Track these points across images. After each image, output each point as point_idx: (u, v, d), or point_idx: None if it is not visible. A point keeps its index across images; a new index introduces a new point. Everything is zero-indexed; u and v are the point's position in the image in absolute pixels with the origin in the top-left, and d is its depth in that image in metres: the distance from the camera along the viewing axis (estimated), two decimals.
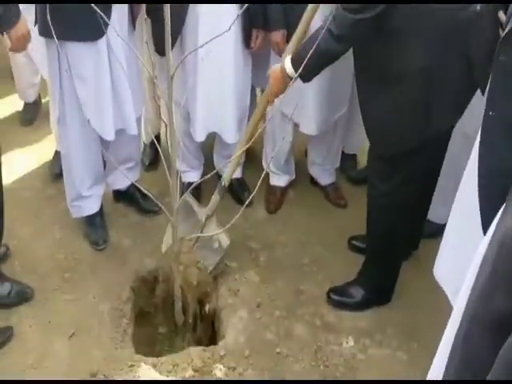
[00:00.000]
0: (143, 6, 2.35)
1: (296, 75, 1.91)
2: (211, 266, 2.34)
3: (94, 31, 2.10)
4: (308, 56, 1.74)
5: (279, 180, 2.91)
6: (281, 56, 2.39)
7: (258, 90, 3.00)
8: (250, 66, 2.57)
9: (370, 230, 2.24)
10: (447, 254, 1.70)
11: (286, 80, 2.00)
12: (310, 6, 1.99)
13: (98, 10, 1.57)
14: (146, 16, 2.28)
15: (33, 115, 3.44)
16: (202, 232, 2.32)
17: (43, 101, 3.50)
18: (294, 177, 2.96)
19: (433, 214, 2.52)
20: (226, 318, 2.23)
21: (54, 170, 2.95)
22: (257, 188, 2.03)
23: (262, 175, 2.09)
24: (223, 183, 2.34)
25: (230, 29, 1.52)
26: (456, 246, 1.64)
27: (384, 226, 2.15)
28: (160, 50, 2.31)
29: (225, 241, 2.37)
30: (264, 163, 2.90)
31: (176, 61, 1.81)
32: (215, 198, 2.37)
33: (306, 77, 1.97)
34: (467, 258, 1.43)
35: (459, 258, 1.58)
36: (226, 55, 2.39)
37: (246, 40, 2.42)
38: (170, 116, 1.72)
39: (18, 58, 3.16)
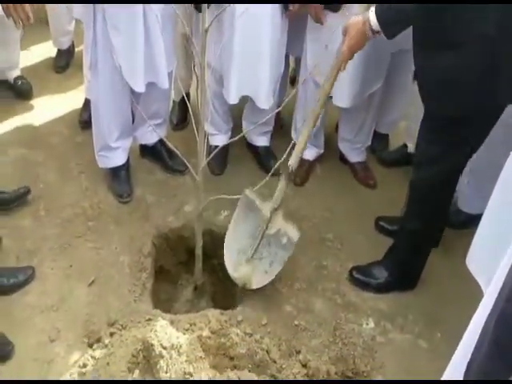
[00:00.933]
0: None
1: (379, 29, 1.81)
2: (280, 264, 2.14)
3: None
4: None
5: (307, 153, 2.86)
6: (317, 22, 2.37)
7: (291, 60, 2.95)
8: (286, 32, 2.51)
9: (411, 208, 2.16)
10: (483, 245, 1.67)
11: (367, 34, 1.89)
12: None
13: None
14: None
15: (66, 62, 3.42)
16: (267, 228, 2.15)
17: (77, 49, 3.47)
18: (322, 151, 2.92)
19: (464, 204, 2.48)
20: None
21: (84, 118, 2.94)
22: (284, 157, 2.01)
23: (290, 146, 2.07)
24: (290, 169, 2.15)
25: None
26: (493, 237, 1.60)
27: (427, 201, 2.09)
28: (197, 4, 2.27)
29: (294, 234, 2.14)
30: (293, 133, 2.86)
31: (212, 17, 1.76)
32: (281, 185, 2.17)
33: (391, 30, 1.85)
34: (504, 249, 1.40)
35: (495, 249, 1.55)
36: (264, 17, 2.33)
37: (285, 3, 2.35)
38: (201, 73, 1.68)
39: (53, 4, 3.13)
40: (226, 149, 2.77)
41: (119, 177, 2.61)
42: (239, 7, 2.15)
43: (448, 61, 1.81)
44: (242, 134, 2.05)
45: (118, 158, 2.58)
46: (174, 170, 2.76)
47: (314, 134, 2.80)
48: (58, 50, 3.42)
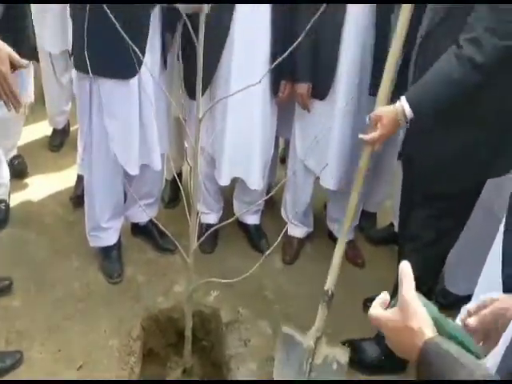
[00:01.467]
0: (176, 47, 2.45)
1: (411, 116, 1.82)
2: None
3: (127, 69, 2.16)
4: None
5: (297, 231, 2.92)
6: (304, 109, 2.48)
7: (281, 140, 3.06)
8: (276, 116, 2.63)
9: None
10: None
11: (401, 123, 1.89)
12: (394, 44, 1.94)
13: (134, 47, 1.61)
14: (179, 55, 2.35)
15: (61, 141, 3.52)
16: (313, 359, 2.09)
17: (72, 128, 3.57)
18: (311, 229, 2.97)
19: (452, 284, 2.51)
20: (234, 369, 2.20)
21: (76, 193, 3.01)
22: (278, 241, 2.04)
23: (284, 230, 2.11)
24: (330, 292, 2.14)
25: (260, 81, 1.55)
26: None
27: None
28: (190, 92, 2.38)
29: (343, 356, 2.08)
30: (283, 212, 2.92)
31: (205, 105, 1.85)
32: (322, 312, 2.13)
33: (426, 118, 1.85)
34: None
35: None
36: (255, 103, 2.45)
37: (275, 89, 2.48)
38: (195, 159, 1.75)
39: (51, 85, 3.26)
40: (216, 228, 2.82)
41: (110, 257, 2.63)
42: (232, 96, 2.25)
43: (469, 136, 1.83)
44: (233, 218, 2.09)
45: (109, 238, 2.62)
46: (164, 249, 2.79)
47: (303, 212, 2.88)
48: (54, 130, 3.52)
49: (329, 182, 2.63)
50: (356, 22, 2.28)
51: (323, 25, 2.18)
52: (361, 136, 1.98)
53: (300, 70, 2.36)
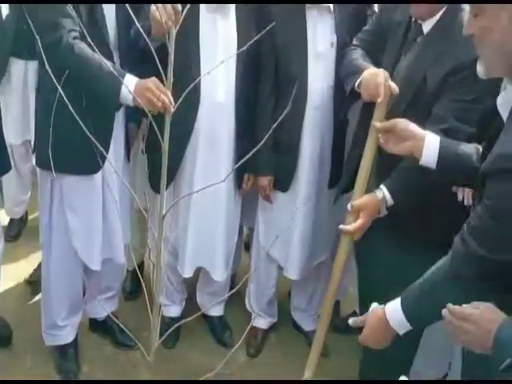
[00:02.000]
0: (140, 141, 2.49)
1: None
2: None
3: (91, 165, 2.16)
4: None
5: (261, 322, 2.87)
6: (266, 200, 2.51)
7: (245, 229, 3.08)
8: (240, 205, 2.65)
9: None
10: None
11: (381, 210, 1.90)
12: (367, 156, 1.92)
13: (98, 145, 1.62)
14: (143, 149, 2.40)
15: (18, 231, 3.41)
16: None
17: (30, 217, 3.49)
18: (276, 319, 2.93)
19: None
20: None
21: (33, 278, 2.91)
22: (244, 335, 1.99)
23: (251, 324, 2.04)
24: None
25: (224, 180, 1.58)
26: None
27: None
28: (154, 186, 2.40)
29: None
30: (247, 303, 2.88)
31: (169, 199, 1.86)
32: None
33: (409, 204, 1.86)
34: None
35: None
36: (219, 196, 2.46)
37: (238, 182, 2.52)
38: (158, 255, 1.72)
39: (9, 175, 3.21)
40: (179, 320, 2.74)
41: (66, 355, 2.50)
42: (196, 188, 2.29)
43: None
44: (197, 314, 2.03)
45: (66, 336, 2.50)
46: (124, 344, 2.67)
47: (267, 302, 2.84)
48: (11, 219, 3.43)
49: (292, 272, 2.63)
50: (315, 118, 2.39)
51: (283, 121, 2.25)
52: (341, 227, 1.96)
53: (262, 163, 2.43)
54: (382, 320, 1.50)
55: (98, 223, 2.29)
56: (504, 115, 1.35)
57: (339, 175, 2.44)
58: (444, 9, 1.92)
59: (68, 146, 2.09)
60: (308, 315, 2.89)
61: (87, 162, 2.14)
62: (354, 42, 2.23)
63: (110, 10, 2.10)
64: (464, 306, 1.25)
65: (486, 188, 1.30)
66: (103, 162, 2.09)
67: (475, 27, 1.32)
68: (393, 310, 1.48)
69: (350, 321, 1.65)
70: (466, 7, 1.92)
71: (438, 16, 1.92)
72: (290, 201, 2.51)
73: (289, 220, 2.45)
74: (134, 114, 2.34)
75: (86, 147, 1.90)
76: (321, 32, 2.34)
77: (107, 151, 2.10)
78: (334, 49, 2.33)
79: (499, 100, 1.37)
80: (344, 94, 2.17)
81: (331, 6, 2.32)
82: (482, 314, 1.23)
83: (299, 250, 2.57)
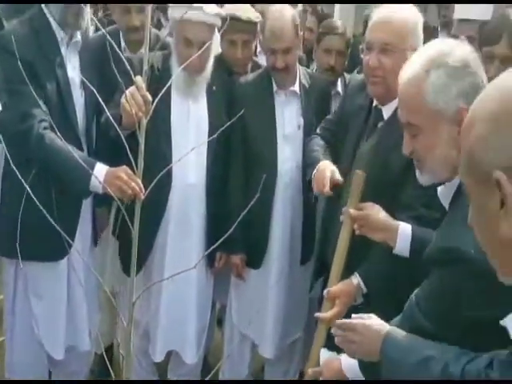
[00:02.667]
0: (110, 225, 2.47)
1: None
2: None
3: (57, 252, 2.14)
4: None
5: None
6: (238, 278, 2.52)
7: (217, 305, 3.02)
8: (212, 284, 2.63)
9: None
10: None
11: (357, 297, 1.87)
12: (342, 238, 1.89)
13: (63, 233, 1.59)
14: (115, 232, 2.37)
15: None
16: None
17: None
18: None
19: None
20: None
21: None
22: None
23: None
24: None
25: (195, 266, 1.54)
26: None
27: None
28: (125, 269, 2.37)
29: None
30: (221, 374, 2.77)
31: (140, 283, 1.82)
32: None
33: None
34: None
35: None
36: (190, 277, 2.43)
37: (210, 261, 2.51)
38: (127, 342, 1.66)
39: None
40: None
41: None
42: (166, 273, 2.26)
43: None
44: None
45: None
46: None
47: (246, 376, 2.77)
48: None
49: (266, 350, 2.60)
50: (284, 197, 2.45)
51: (254, 203, 2.28)
52: (317, 315, 1.91)
53: (233, 241, 2.42)
54: (339, 372, 1.55)
55: (62, 310, 2.24)
56: (445, 205, 1.40)
57: (310, 252, 2.48)
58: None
59: (34, 233, 2.04)
60: None
61: (53, 249, 2.10)
62: (318, 131, 2.31)
63: (78, 98, 2.14)
64: (353, 316, 1.39)
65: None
66: (69, 248, 2.05)
67: (416, 147, 1.37)
68: (349, 367, 1.52)
69: (310, 372, 1.68)
70: None
71: (395, 102, 1.91)
72: (262, 278, 2.52)
73: (262, 297, 2.48)
74: (104, 200, 2.33)
75: (52, 234, 1.85)
76: (288, 115, 2.45)
77: (74, 237, 2.08)
78: (301, 131, 2.43)
79: (440, 190, 1.41)
80: None
81: (297, 90, 2.44)
82: (367, 325, 1.33)
83: (273, 327, 2.54)
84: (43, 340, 2.18)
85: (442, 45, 1.38)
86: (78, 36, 2.17)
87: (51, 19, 2.08)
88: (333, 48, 2.76)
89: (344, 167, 2.02)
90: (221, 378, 2.79)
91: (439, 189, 1.42)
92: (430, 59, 1.33)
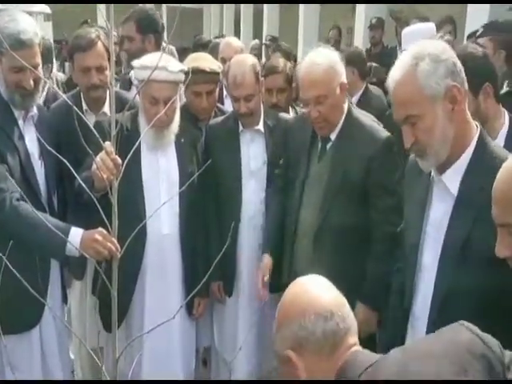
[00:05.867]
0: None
1: None
2: None
3: (28, 321, 2.13)
4: None
5: None
6: (219, 302, 2.64)
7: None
8: (195, 329, 2.65)
9: None
10: None
11: None
12: None
13: (38, 296, 1.58)
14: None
15: None
16: None
17: None
18: None
19: None
20: None
21: None
22: None
23: None
24: None
25: (174, 317, 1.57)
26: None
27: None
28: (106, 325, 2.33)
29: None
30: None
31: (121, 336, 1.84)
32: None
33: None
34: None
35: None
36: (171, 326, 2.38)
37: (189, 309, 2.53)
38: None
39: None
40: None
41: None
42: (147, 324, 2.29)
43: None
44: None
45: None
46: None
47: None
48: None
49: (239, 376, 2.64)
50: (249, 227, 2.58)
51: (222, 230, 2.47)
52: None
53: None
54: None
55: (37, 378, 2.20)
56: (453, 190, 1.55)
57: (280, 280, 2.53)
58: (343, 119, 2.27)
59: (7, 305, 2.00)
60: None
61: (25, 318, 2.10)
62: (274, 177, 2.53)
63: (38, 169, 2.18)
64: None
65: None
66: (41, 314, 2.06)
67: (417, 134, 1.52)
68: None
69: None
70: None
71: (339, 126, 2.27)
72: (234, 306, 2.64)
73: (236, 324, 2.62)
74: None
75: (24, 302, 1.86)
76: (253, 152, 2.60)
77: (45, 298, 2.08)
78: (266, 166, 2.59)
79: (446, 176, 1.56)
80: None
81: (261, 128, 2.60)
82: None
83: (244, 355, 2.59)
84: None
85: (416, 45, 1.58)
86: (34, 110, 2.21)
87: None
88: (273, 87, 2.88)
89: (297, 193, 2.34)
90: None
91: (445, 174, 1.55)
92: (413, 56, 1.52)
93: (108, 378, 1.73)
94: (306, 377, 1.08)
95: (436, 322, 1.49)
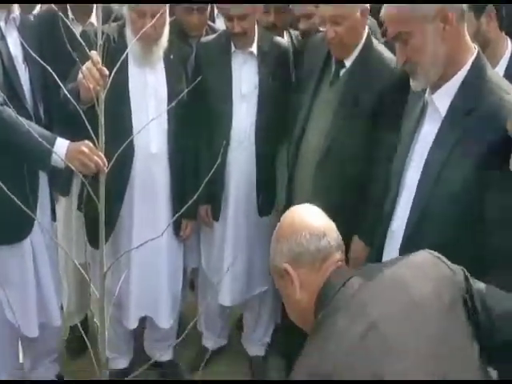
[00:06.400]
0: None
1: None
2: None
3: (19, 232, 2.12)
4: None
5: (209, 342, 2.90)
6: (206, 226, 2.63)
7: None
8: (182, 249, 2.67)
9: None
10: None
11: None
12: None
13: (25, 208, 1.59)
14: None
15: None
16: None
17: None
18: (225, 342, 2.97)
19: None
20: None
21: None
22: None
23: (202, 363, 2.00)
24: None
25: (162, 235, 1.59)
26: None
27: None
28: (92, 242, 2.35)
29: None
30: (197, 323, 2.90)
31: (108, 253, 1.86)
32: None
33: None
34: None
35: None
36: (159, 244, 2.45)
37: (176, 230, 2.55)
38: (101, 312, 1.69)
39: None
40: (127, 371, 2.69)
41: None
42: (135, 241, 2.30)
43: None
44: (146, 365, 1.98)
45: None
46: None
47: (215, 326, 2.88)
48: None
49: (225, 298, 2.69)
50: (239, 152, 2.52)
51: (212, 153, 2.43)
52: None
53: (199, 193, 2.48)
54: None
55: (31, 290, 2.22)
56: (442, 109, 1.55)
57: (270, 204, 2.62)
58: (360, 46, 2.21)
59: None
60: (253, 341, 2.93)
61: (14, 229, 2.09)
62: None
63: (22, 73, 2.09)
64: None
65: None
66: (32, 225, 2.05)
67: (409, 53, 1.52)
68: None
69: None
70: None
71: (356, 53, 2.21)
72: (222, 230, 2.63)
73: (223, 248, 2.62)
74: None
75: (13, 213, 1.84)
76: (245, 75, 2.50)
77: (35, 213, 2.06)
78: (257, 90, 2.50)
79: (436, 95, 1.56)
80: (267, 131, 2.51)
81: (255, 50, 2.49)
82: None
83: (230, 278, 2.62)
84: (15, 323, 2.12)
85: None
86: (16, 12, 2.11)
87: None
88: (271, 6, 2.72)
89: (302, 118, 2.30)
90: (198, 320, 2.88)
91: (435, 94, 1.56)
92: None
93: (97, 294, 1.76)
94: (298, 286, 1.25)
95: (410, 237, 1.59)
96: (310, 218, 1.30)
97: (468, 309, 1.20)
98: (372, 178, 2.17)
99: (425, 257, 1.25)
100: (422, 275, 1.20)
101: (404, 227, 1.62)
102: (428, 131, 1.59)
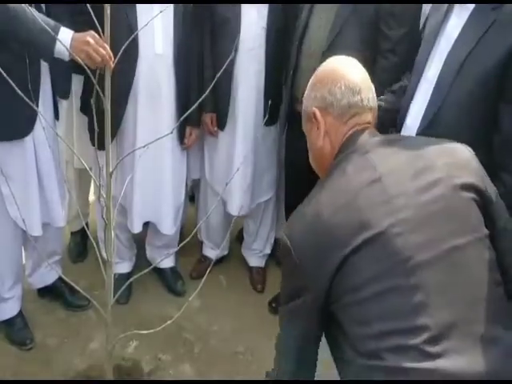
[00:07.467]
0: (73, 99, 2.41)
1: None
2: None
3: (21, 128, 2.08)
4: None
5: (210, 252, 2.96)
6: (211, 135, 2.60)
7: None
8: (186, 158, 2.65)
9: None
10: None
11: None
12: None
13: (34, 105, 1.55)
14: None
15: None
16: None
17: None
18: (226, 252, 3.02)
19: None
20: None
21: None
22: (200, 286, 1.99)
23: (207, 272, 2.04)
24: None
25: (172, 132, 1.59)
26: None
27: None
28: (95, 143, 2.32)
29: None
30: (198, 233, 2.95)
31: (112, 157, 1.83)
32: None
33: None
34: None
35: None
36: (163, 150, 2.45)
37: (180, 137, 2.51)
38: (108, 213, 1.69)
39: None
40: (130, 276, 2.75)
41: (15, 325, 2.43)
42: (139, 145, 2.26)
43: None
44: (149, 269, 2.02)
45: (11, 309, 2.42)
46: (75, 306, 2.64)
47: (218, 234, 2.92)
48: None
49: (233, 207, 2.70)
50: (247, 58, 2.44)
51: (218, 61, 2.39)
52: None
53: (204, 101, 2.43)
54: None
55: (34, 188, 2.20)
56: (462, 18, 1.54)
57: (276, 114, 2.54)
58: None
59: None
60: (254, 252, 2.98)
61: (17, 125, 2.04)
62: None
63: None
64: None
65: None
66: (34, 123, 1.99)
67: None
68: None
69: None
70: None
71: None
72: (228, 140, 2.59)
73: (230, 157, 2.60)
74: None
75: (13, 110, 1.79)
76: None
77: (37, 107, 1.99)
78: None
79: None
80: (276, 36, 2.41)
81: None
82: None
83: (238, 187, 2.63)
84: (18, 220, 2.13)
85: None
86: None
87: None
88: None
89: None
90: (198, 230, 2.88)
91: None
92: None
93: (103, 194, 1.75)
94: (323, 133, 1.27)
95: (425, 133, 1.58)
96: (350, 71, 1.28)
97: (477, 202, 1.20)
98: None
99: (461, 148, 1.26)
100: (446, 155, 1.22)
101: (418, 123, 1.62)
102: (454, 25, 1.57)
